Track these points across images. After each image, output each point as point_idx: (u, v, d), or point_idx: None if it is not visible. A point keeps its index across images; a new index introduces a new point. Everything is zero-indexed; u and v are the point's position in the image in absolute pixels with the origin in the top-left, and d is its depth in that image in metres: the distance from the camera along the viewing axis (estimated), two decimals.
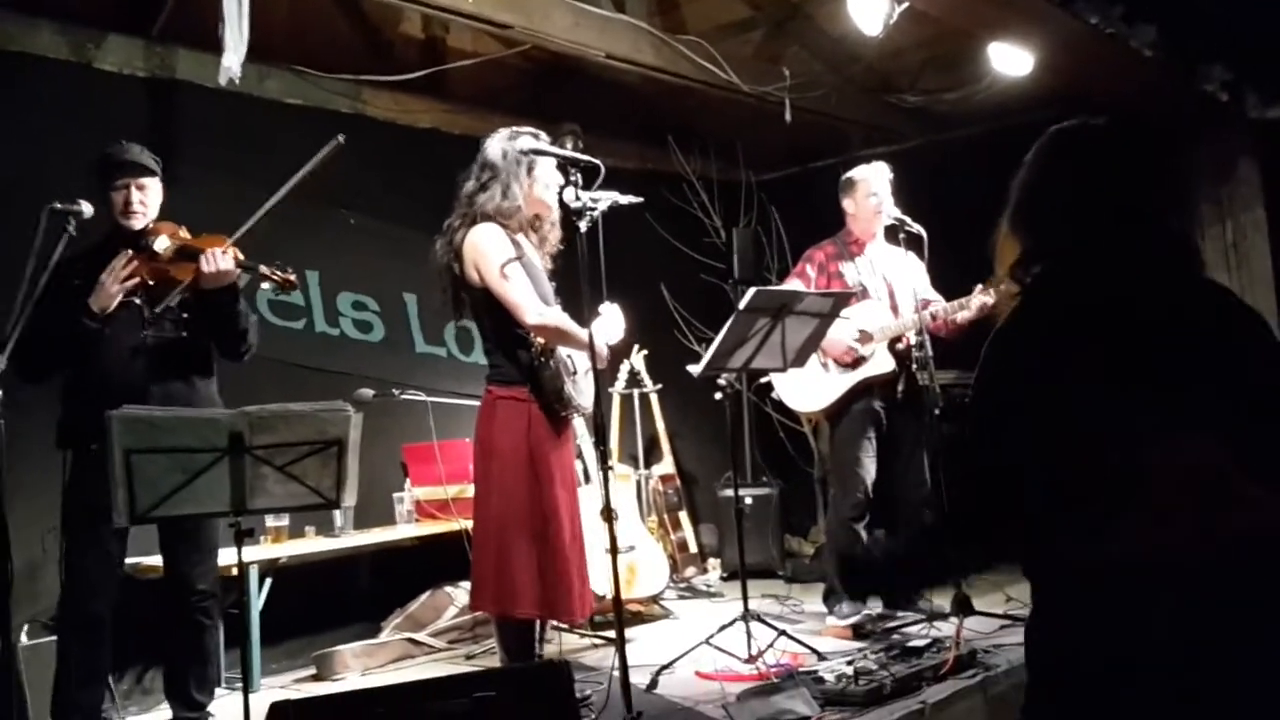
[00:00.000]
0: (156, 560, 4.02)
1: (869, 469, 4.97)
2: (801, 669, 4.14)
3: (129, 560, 4.22)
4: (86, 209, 3.66)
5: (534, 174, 3.84)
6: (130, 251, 3.75)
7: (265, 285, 4.04)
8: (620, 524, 5.34)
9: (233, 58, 4.38)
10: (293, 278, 3.96)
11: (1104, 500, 1.74)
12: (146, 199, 3.84)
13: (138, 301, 3.78)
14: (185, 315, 3.85)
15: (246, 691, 3.30)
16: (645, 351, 6.56)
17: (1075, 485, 1.77)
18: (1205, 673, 1.68)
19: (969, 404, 1.99)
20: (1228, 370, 1.76)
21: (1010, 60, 5.70)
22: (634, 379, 6.57)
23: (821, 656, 4.39)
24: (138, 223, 3.82)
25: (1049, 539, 1.80)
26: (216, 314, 3.86)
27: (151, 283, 3.78)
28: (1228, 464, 1.69)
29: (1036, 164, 2.00)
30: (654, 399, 6.68)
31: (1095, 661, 1.75)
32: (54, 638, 3.86)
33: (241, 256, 3.82)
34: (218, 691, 4.49)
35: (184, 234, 3.87)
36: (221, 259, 3.75)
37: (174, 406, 3.60)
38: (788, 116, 6.22)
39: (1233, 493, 1.69)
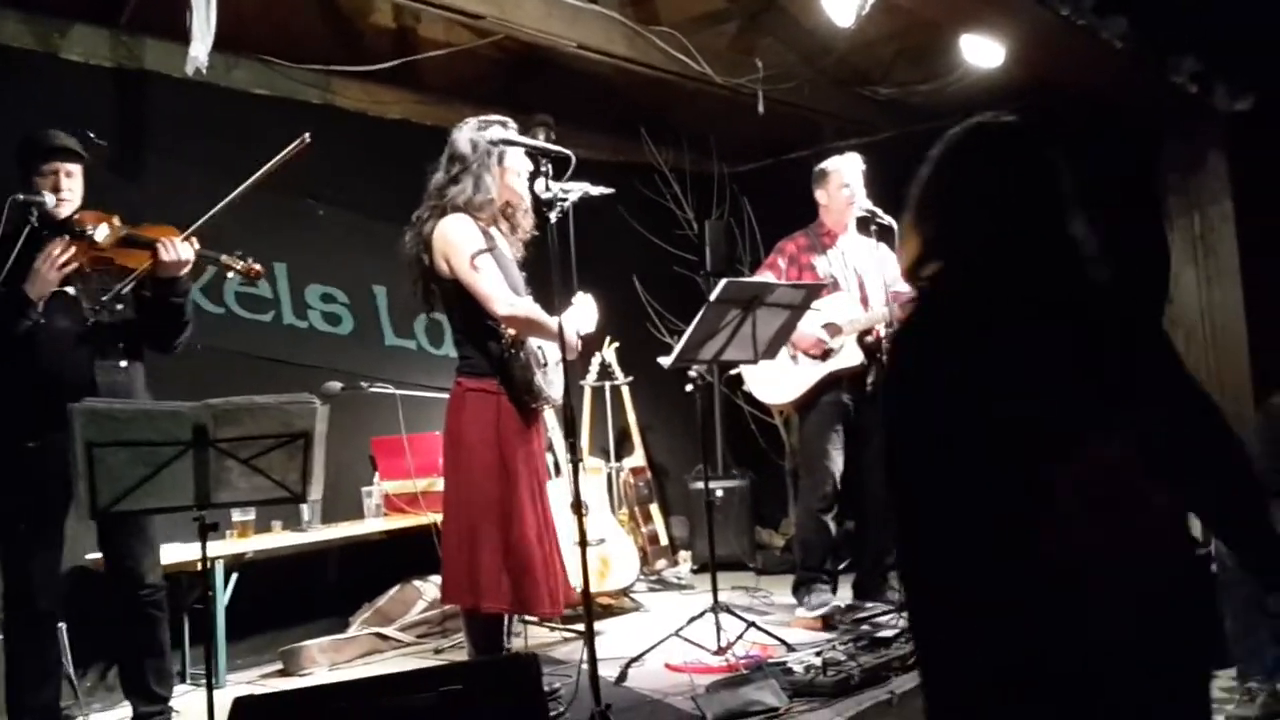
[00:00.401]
0: None
1: (837, 461, 4.98)
2: (770, 660, 4.15)
3: (91, 556, 4.19)
4: (50, 200, 3.62)
5: (505, 164, 3.80)
6: (66, 238, 3.63)
7: (230, 275, 3.99)
8: (591, 517, 5.35)
9: (200, 47, 4.33)
10: (258, 267, 3.91)
11: (1010, 506, 1.74)
12: (74, 185, 3.74)
13: (72, 291, 3.66)
14: (120, 306, 3.76)
15: (211, 688, 3.28)
16: (616, 344, 6.54)
17: (983, 491, 1.77)
18: (1118, 674, 1.69)
19: (881, 410, 1.98)
20: (1128, 373, 1.74)
21: (982, 52, 5.71)
22: (605, 371, 6.55)
23: (790, 648, 4.39)
24: (65, 209, 3.69)
25: (961, 546, 1.79)
26: (165, 304, 3.81)
27: (89, 270, 3.68)
28: (1132, 466, 1.69)
29: (938, 161, 1.96)
30: (625, 391, 6.66)
31: (1016, 665, 1.75)
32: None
33: (197, 246, 3.77)
34: (184, 688, 4.47)
35: (117, 223, 3.75)
36: (181, 247, 3.70)
37: (117, 397, 3.56)
38: (760, 108, 6.22)
39: (1138, 494, 1.69)
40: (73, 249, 3.61)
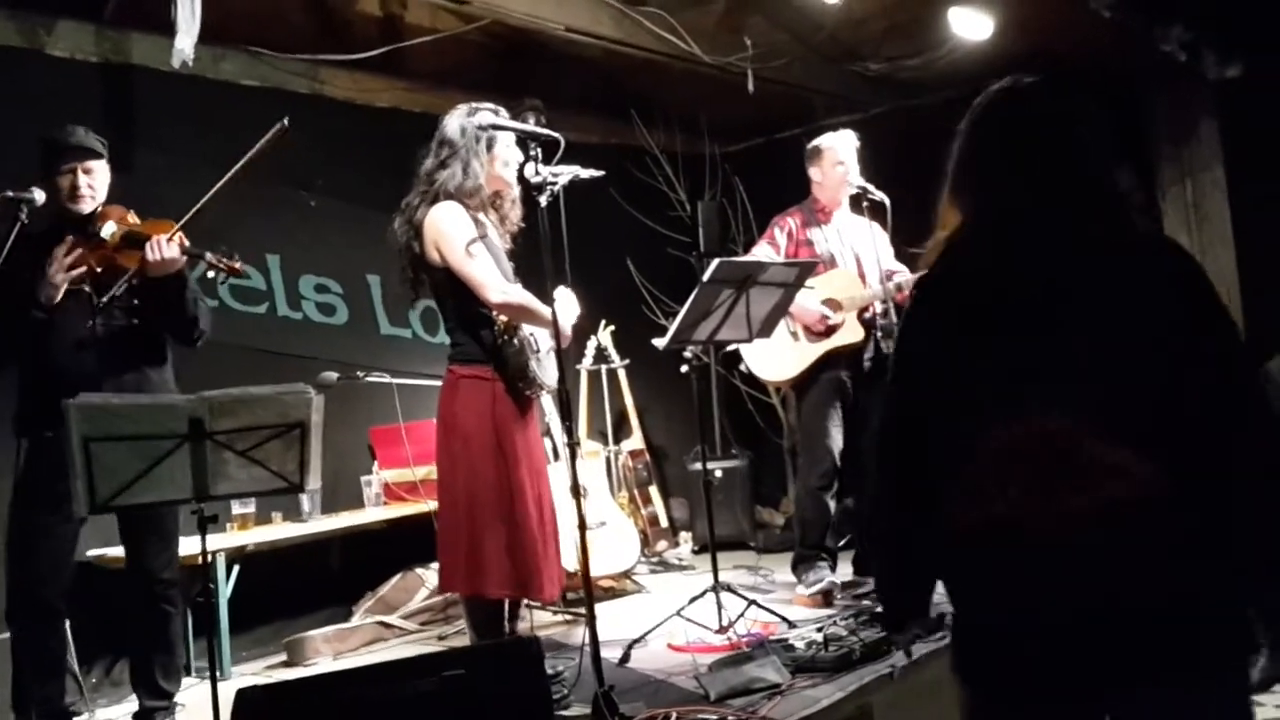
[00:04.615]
0: (120, 551, 3.99)
1: (836, 439, 4.97)
2: (772, 638, 4.16)
3: (93, 552, 4.20)
4: (39, 196, 3.61)
5: (494, 151, 3.79)
6: (72, 239, 3.65)
7: (211, 274, 3.98)
8: (590, 500, 5.36)
9: (185, 40, 4.33)
10: (238, 265, 3.90)
11: (959, 469, 1.79)
12: (94, 183, 3.75)
13: (86, 289, 3.68)
14: (135, 302, 3.78)
15: (215, 680, 3.28)
16: (612, 327, 6.54)
17: (949, 449, 1.81)
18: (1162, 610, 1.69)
19: (892, 358, 2.03)
20: (1124, 332, 1.74)
21: (970, 25, 5.71)
22: (601, 355, 6.56)
23: (792, 625, 4.41)
24: (85, 207, 3.72)
25: (938, 499, 1.83)
26: (165, 301, 3.80)
27: (99, 270, 3.70)
28: (1079, 434, 1.70)
29: (968, 129, 1.97)
30: (622, 374, 6.67)
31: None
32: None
33: (187, 243, 3.76)
34: (189, 681, 4.47)
35: (132, 219, 3.78)
36: (166, 247, 3.68)
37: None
38: (750, 87, 6.20)
39: (1087, 462, 1.69)
40: (79, 250, 3.62)
